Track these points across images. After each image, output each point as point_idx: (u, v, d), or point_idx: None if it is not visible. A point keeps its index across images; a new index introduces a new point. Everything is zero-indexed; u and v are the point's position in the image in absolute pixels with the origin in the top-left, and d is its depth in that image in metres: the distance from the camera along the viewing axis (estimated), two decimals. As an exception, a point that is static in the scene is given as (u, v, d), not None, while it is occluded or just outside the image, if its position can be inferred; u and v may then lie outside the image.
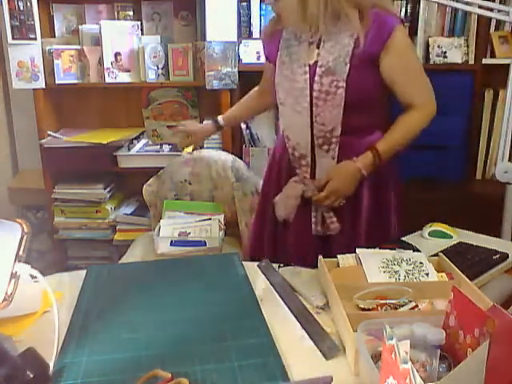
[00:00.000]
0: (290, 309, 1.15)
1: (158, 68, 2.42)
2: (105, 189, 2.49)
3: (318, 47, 1.47)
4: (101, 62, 2.38)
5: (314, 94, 1.46)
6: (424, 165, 2.31)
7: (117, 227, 2.50)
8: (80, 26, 2.46)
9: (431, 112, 1.49)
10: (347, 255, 1.28)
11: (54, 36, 2.53)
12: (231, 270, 1.34)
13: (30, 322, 1.11)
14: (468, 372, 0.74)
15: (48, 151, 2.42)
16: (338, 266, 1.26)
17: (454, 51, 2.36)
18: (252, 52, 2.36)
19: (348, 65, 1.41)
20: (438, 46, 2.37)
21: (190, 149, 2.35)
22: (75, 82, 2.44)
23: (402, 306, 1.08)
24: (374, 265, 1.21)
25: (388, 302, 1.08)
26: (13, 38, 2.26)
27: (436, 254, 1.30)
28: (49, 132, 2.48)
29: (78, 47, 2.43)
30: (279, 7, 1.47)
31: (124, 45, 2.40)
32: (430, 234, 1.54)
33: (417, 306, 1.08)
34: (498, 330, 0.77)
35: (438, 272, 1.19)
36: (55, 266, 2.52)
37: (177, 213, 1.92)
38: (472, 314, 0.84)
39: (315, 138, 1.50)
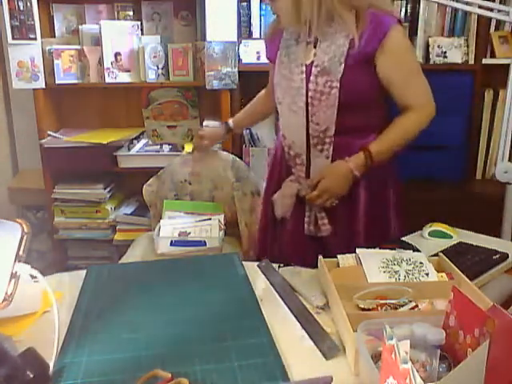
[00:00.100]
0: (290, 309, 1.15)
1: (157, 68, 2.42)
2: (105, 189, 2.49)
3: (315, 47, 1.48)
4: (101, 62, 2.38)
5: (310, 93, 1.46)
6: (424, 165, 2.31)
7: (117, 227, 2.50)
8: (80, 26, 2.46)
9: (429, 113, 1.48)
10: (347, 255, 1.28)
11: (54, 36, 2.53)
12: (231, 269, 1.34)
13: (29, 322, 1.11)
14: (468, 372, 0.74)
15: (48, 151, 2.42)
16: (338, 266, 1.26)
17: (454, 51, 2.36)
18: (252, 52, 2.36)
19: (342, 65, 1.42)
20: (438, 46, 2.37)
21: (190, 149, 2.35)
22: (75, 82, 2.44)
23: (402, 305, 1.08)
24: (374, 265, 1.21)
25: (388, 302, 1.08)
26: (13, 38, 2.26)
27: (436, 254, 1.30)
28: (49, 132, 2.48)
29: (77, 47, 2.43)
30: (276, 7, 1.48)
31: (124, 45, 2.40)
32: (430, 234, 1.54)
33: (417, 305, 1.08)
34: (498, 330, 0.77)
35: (438, 272, 1.19)
36: (55, 266, 2.52)
37: (177, 213, 1.92)
38: (472, 313, 0.84)
39: (310, 138, 1.50)
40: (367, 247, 1.30)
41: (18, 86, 2.35)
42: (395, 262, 1.21)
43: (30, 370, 0.79)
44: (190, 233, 1.80)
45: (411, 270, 1.19)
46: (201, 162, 2.08)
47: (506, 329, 0.78)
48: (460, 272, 1.15)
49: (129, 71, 2.43)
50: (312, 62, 1.47)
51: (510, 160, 1.86)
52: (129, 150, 2.46)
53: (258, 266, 1.37)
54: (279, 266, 1.35)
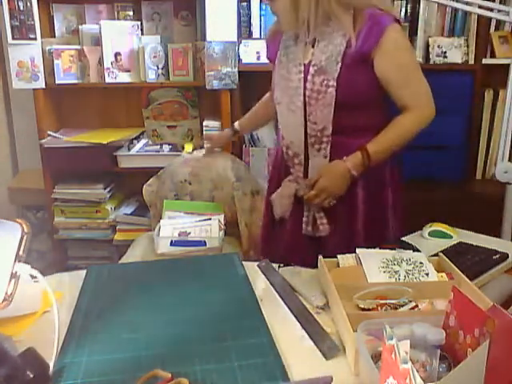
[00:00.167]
0: (290, 309, 1.15)
1: (158, 68, 2.42)
2: (105, 189, 2.49)
3: (313, 47, 1.48)
4: (101, 62, 2.39)
5: (307, 92, 1.46)
6: (424, 165, 2.31)
7: (117, 227, 2.50)
8: (80, 26, 2.46)
9: (428, 114, 1.47)
10: (347, 255, 1.28)
11: (54, 36, 2.53)
12: (231, 270, 1.34)
13: (29, 322, 1.11)
14: (468, 372, 0.74)
15: (48, 151, 2.42)
16: (338, 266, 1.26)
17: (454, 51, 2.36)
18: (252, 52, 2.36)
19: (339, 64, 1.41)
20: (438, 46, 2.37)
21: (190, 149, 2.35)
22: (75, 82, 2.44)
23: (402, 305, 1.08)
24: (374, 265, 1.21)
25: (388, 302, 1.08)
26: (13, 38, 2.26)
27: (436, 254, 1.30)
28: (49, 132, 2.48)
29: (78, 47, 2.43)
30: (275, 8, 1.49)
31: (124, 45, 2.40)
32: (430, 234, 1.54)
33: (417, 305, 1.08)
34: (498, 330, 0.77)
35: (438, 272, 1.19)
36: (55, 266, 2.52)
37: (177, 213, 1.92)
38: (472, 313, 0.84)
39: (308, 137, 1.50)
40: (366, 247, 1.30)
41: (18, 86, 2.35)
42: (395, 262, 1.21)
43: (30, 370, 0.79)
44: (190, 233, 1.79)
45: (411, 270, 1.19)
46: (201, 162, 2.08)
47: (506, 329, 0.78)
48: (460, 272, 1.15)
49: (129, 71, 2.43)
50: (310, 62, 1.47)
51: (510, 160, 1.86)
52: (129, 150, 2.46)
53: (257, 265, 1.37)
54: (279, 266, 1.35)
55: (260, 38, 2.35)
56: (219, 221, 1.84)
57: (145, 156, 2.45)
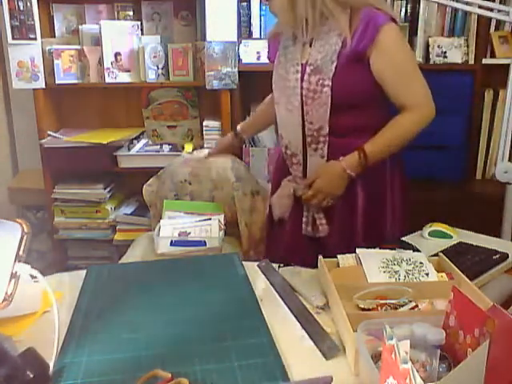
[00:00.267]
0: (290, 309, 1.15)
1: (158, 68, 2.42)
2: (105, 189, 2.49)
3: (310, 47, 1.48)
4: (101, 62, 2.39)
5: (304, 92, 1.46)
6: (424, 165, 2.31)
7: (117, 227, 2.50)
8: (80, 26, 2.46)
9: (427, 113, 1.45)
10: (347, 255, 1.28)
11: (54, 36, 2.53)
12: (231, 269, 1.34)
13: (29, 322, 1.11)
14: (468, 372, 0.74)
15: (48, 151, 2.42)
16: (338, 266, 1.26)
17: (454, 51, 2.36)
18: (252, 52, 2.36)
19: (335, 63, 1.41)
20: (438, 46, 2.37)
21: (190, 149, 2.35)
22: (75, 82, 2.44)
23: (402, 305, 1.08)
24: (374, 265, 1.21)
25: (388, 302, 1.08)
26: (13, 38, 2.26)
27: (436, 254, 1.30)
28: (49, 132, 2.48)
29: (78, 47, 2.43)
30: (273, 7, 1.50)
31: (124, 45, 2.40)
32: (430, 234, 1.54)
33: (417, 305, 1.08)
34: (498, 330, 0.77)
35: (438, 272, 1.19)
36: (55, 266, 2.52)
37: (177, 213, 1.92)
38: (472, 313, 0.84)
39: (306, 137, 1.50)
40: (366, 247, 1.30)
41: (18, 86, 2.35)
42: (395, 262, 1.21)
43: (30, 370, 0.79)
44: (190, 233, 1.79)
45: (411, 270, 1.19)
46: (201, 162, 2.08)
47: (506, 329, 0.78)
48: (460, 272, 1.15)
49: (129, 71, 2.43)
50: (307, 62, 1.47)
51: (510, 160, 1.86)
52: (129, 150, 2.46)
53: (258, 265, 1.37)
54: (279, 266, 1.35)
55: (260, 38, 2.35)
56: (219, 221, 1.84)
57: (145, 156, 2.45)
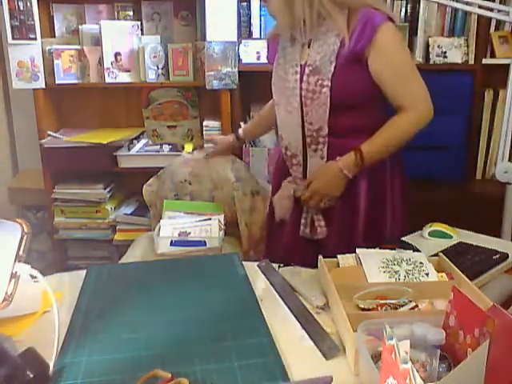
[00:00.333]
0: (290, 309, 1.15)
1: (158, 68, 2.42)
2: (105, 189, 2.49)
3: (309, 47, 1.48)
4: (101, 62, 2.38)
5: (302, 93, 1.46)
6: (424, 165, 2.31)
7: (117, 227, 2.50)
8: (80, 26, 2.46)
9: (424, 113, 1.44)
10: (347, 255, 1.28)
11: (54, 36, 2.53)
12: (231, 270, 1.34)
13: (29, 322, 1.11)
14: (468, 372, 0.74)
15: (48, 151, 2.42)
16: (338, 266, 1.26)
17: (454, 51, 2.36)
18: (252, 52, 2.36)
19: (333, 64, 1.41)
20: (438, 46, 2.37)
21: (190, 149, 2.35)
22: (75, 82, 2.44)
23: (402, 305, 1.08)
24: (374, 265, 1.21)
25: (388, 302, 1.08)
26: (13, 38, 2.26)
27: (436, 254, 1.30)
28: (49, 132, 2.48)
29: (78, 47, 2.43)
30: (270, 9, 1.50)
31: (124, 45, 2.40)
32: (430, 234, 1.54)
33: (417, 305, 1.08)
34: (498, 330, 0.77)
35: (438, 272, 1.19)
36: (55, 266, 2.52)
37: (177, 213, 1.92)
38: (472, 313, 0.84)
39: (306, 138, 1.50)
40: (366, 247, 1.30)
41: (18, 86, 2.35)
42: (395, 262, 1.21)
43: (30, 370, 0.79)
44: (190, 233, 1.79)
45: (411, 270, 1.19)
46: (201, 162, 2.08)
47: (506, 329, 0.78)
48: (460, 272, 1.15)
49: (129, 71, 2.43)
50: (306, 62, 1.47)
51: (510, 160, 1.86)
52: (129, 150, 2.45)
53: (258, 265, 1.37)
54: (279, 266, 1.35)
55: (260, 38, 2.35)
56: (219, 221, 1.84)
57: (145, 156, 2.45)
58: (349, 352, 0.95)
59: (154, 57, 2.40)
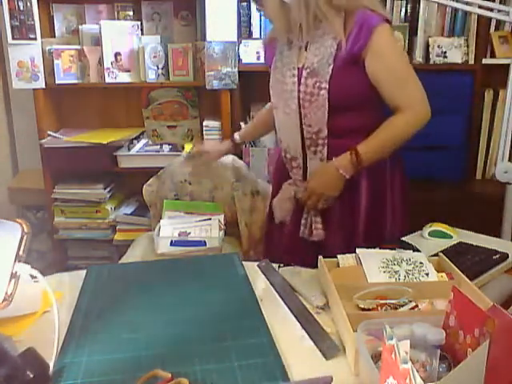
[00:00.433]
0: (290, 309, 1.15)
1: (158, 68, 2.42)
2: (105, 189, 2.49)
3: (306, 50, 1.48)
4: (101, 62, 2.38)
5: (300, 95, 1.47)
6: (424, 165, 2.31)
7: (117, 227, 2.50)
8: (80, 26, 2.46)
9: (421, 114, 1.44)
10: (347, 255, 1.28)
11: (54, 36, 2.53)
12: (231, 269, 1.34)
13: (29, 322, 1.11)
14: (468, 372, 0.74)
15: (48, 151, 2.42)
16: (338, 266, 1.26)
17: (454, 51, 2.36)
18: (252, 52, 2.36)
19: (331, 66, 1.42)
20: (438, 46, 2.37)
21: (190, 149, 2.35)
22: (75, 82, 2.44)
23: (402, 305, 1.08)
24: (374, 265, 1.21)
25: (388, 302, 1.08)
26: (13, 38, 2.26)
27: (436, 254, 1.30)
28: (49, 132, 2.48)
29: (78, 47, 2.43)
30: (266, 14, 1.50)
31: (124, 45, 2.40)
32: (430, 234, 1.54)
33: (417, 305, 1.08)
34: (498, 330, 0.77)
35: (438, 272, 1.19)
36: (55, 266, 2.52)
37: (177, 213, 1.92)
38: (472, 313, 0.84)
39: (305, 140, 1.50)
40: (366, 247, 1.30)
41: (18, 86, 2.35)
42: (395, 262, 1.21)
43: (30, 370, 0.79)
44: (190, 233, 1.80)
45: (411, 270, 1.19)
46: (201, 162, 2.08)
47: (506, 329, 0.78)
48: (460, 272, 1.15)
49: (129, 71, 2.43)
50: (303, 65, 1.47)
51: (510, 160, 1.86)
52: (129, 150, 2.46)
53: (258, 265, 1.37)
54: (279, 266, 1.36)
55: (260, 38, 2.34)
56: (219, 221, 1.84)
57: (145, 156, 2.45)
58: (349, 352, 0.95)
59: (154, 57, 2.40)
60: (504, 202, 1.91)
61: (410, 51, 2.40)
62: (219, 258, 1.49)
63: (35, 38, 2.30)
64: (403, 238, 1.48)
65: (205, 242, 1.74)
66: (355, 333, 0.90)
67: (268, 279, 1.30)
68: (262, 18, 2.36)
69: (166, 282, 1.28)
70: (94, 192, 2.48)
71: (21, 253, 0.94)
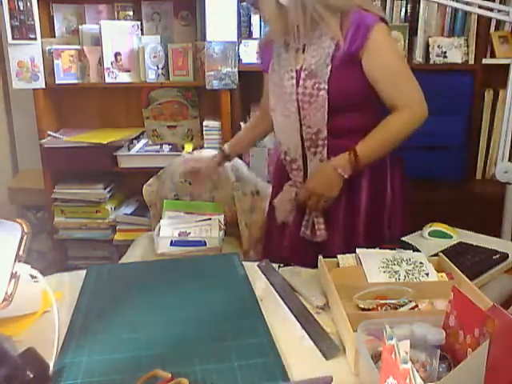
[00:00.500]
0: (290, 309, 1.15)
1: (158, 68, 2.42)
2: (105, 189, 2.49)
3: (303, 52, 1.48)
4: (101, 62, 2.38)
5: (299, 97, 1.47)
6: (424, 165, 2.31)
7: (117, 227, 2.50)
8: (80, 26, 2.46)
9: (419, 114, 1.44)
10: (347, 255, 1.28)
11: (54, 36, 2.53)
12: (231, 269, 1.34)
13: (29, 322, 1.11)
14: (468, 372, 0.74)
15: (48, 151, 2.42)
16: (338, 266, 1.26)
17: (454, 51, 2.36)
18: (252, 52, 2.35)
19: (329, 67, 1.42)
20: (438, 46, 2.37)
21: (190, 149, 2.35)
22: (75, 82, 2.44)
23: (402, 305, 1.08)
24: (374, 265, 1.21)
25: (388, 302, 1.08)
26: (13, 38, 2.26)
27: (436, 254, 1.30)
28: (49, 132, 2.48)
29: (78, 47, 2.43)
30: (263, 16, 1.50)
31: (124, 45, 2.40)
32: (430, 234, 1.54)
33: (417, 305, 1.08)
34: (498, 330, 0.77)
35: (438, 272, 1.19)
36: (55, 266, 2.52)
37: (177, 213, 1.92)
38: (472, 313, 0.84)
39: (304, 141, 1.50)
40: (366, 247, 1.30)
41: (18, 86, 2.35)
42: (395, 262, 1.21)
43: (30, 370, 0.79)
44: (189, 233, 1.79)
45: (411, 270, 1.19)
46: (201, 162, 2.08)
47: (506, 329, 0.78)
48: (460, 272, 1.15)
49: (129, 71, 2.43)
50: (301, 67, 1.47)
51: (510, 160, 1.86)
52: (129, 150, 2.46)
53: (258, 265, 1.37)
54: (279, 266, 1.36)
55: (260, 38, 2.34)
56: (219, 221, 1.84)
57: (145, 156, 2.45)
58: (349, 352, 0.95)
59: (154, 57, 2.41)
60: (504, 202, 1.91)
61: (410, 51, 2.40)
62: (219, 258, 1.49)
63: (35, 38, 2.30)
64: (403, 238, 1.48)
65: (205, 242, 1.74)
66: (355, 333, 0.90)
67: (268, 279, 1.30)
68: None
69: (166, 282, 1.28)
70: (94, 192, 2.48)
71: (21, 253, 0.94)
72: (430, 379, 0.78)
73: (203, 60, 2.34)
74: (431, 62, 2.37)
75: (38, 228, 2.64)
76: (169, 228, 1.81)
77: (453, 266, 1.19)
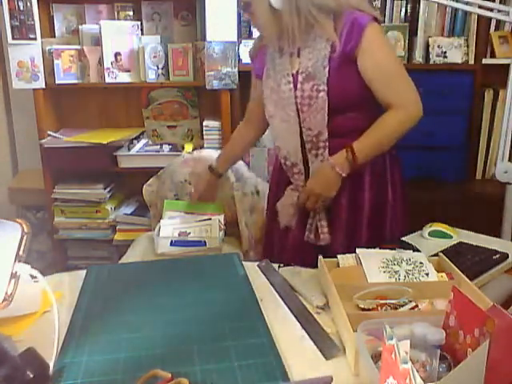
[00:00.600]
0: (290, 309, 1.15)
1: (158, 68, 2.42)
2: (105, 189, 2.49)
3: (298, 56, 1.48)
4: (101, 62, 2.38)
5: (298, 100, 1.47)
6: (424, 165, 2.31)
7: (117, 227, 2.50)
8: (80, 26, 2.46)
9: (414, 112, 1.44)
10: (347, 255, 1.28)
11: (54, 36, 2.53)
12: (231, 269, 1.34)
13: (29, 322, 1.11)
14: (468, 372, 0.74)
15: (48, 151, 2.42)
16: (338, 266, 1.26)
17: (454, 51, 2.36)
18: (252, 52, 2.36)
19: (327, 68, 1.42)
20: (438, 46, 2.37)
21: (190, 149, 2.35)
22: (75, 81, 2.44)
23: (402, 305, 1.08)
24: (374, 265, 1.21)
25: (388, 302, 1.08)
26: (13, 38, 2.26)
27: (436, 254, 1.30)
28: (49, 132, 2.48)
29: (78, 47, 2.43)
30: (256, 22, 1.49)
31: (124, 45, 2.40)
32: (430, 234, 1.54)
33: (417, 305, 1.08)
34: (497, 330, 0.77)
35: (438, 272, 1.20)
36: (55, 266, 2.52)
37: (177, 213, 1.92)
38: (472, 313, 0.84)
39: (305, 144, 1.51)
40: (366, 247, 1.30)
41: (18, 86, 2.35)
42: (395, 262, 1.21)
43: (30, 370, 0.79)
44: (189, 233, 1.79)
45: (411, 270, 1.19)
46: (201, 162, 2.08)
47: (506, 329, 0.78)
48: (460, 272, 1.15)
49: (129, 71, 2.43)
50: (298, 71, 1.47)
51: (510, 160, 1.86)
52: (129, 150, 2.46)
53: (258, 265, 1.37)
54: (279, 266, 1.36)
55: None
56: (219, 221, 1.84)
57: (145, 156, 2.45)
58: (349, 352, 0.95)
59: (154, 57, 2.40)
60: (504, 202, 1.91)
61: (410, 51, 2.40)
62: (219, 258, 1.49)
63: (35, 38, 2.30)
64: (403, 238, 1.48)
65: (205, 242, 1.74)
66: (355, 333, 0.90)
67: (268, 279, 1.30)
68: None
69: (166, 281, 1.28)
70: (93, 192, 2.47)
71: (21, 253, 0.94)
72: (430, 379, 0.78)
73: (203, 60, 2.34)
74: (431, 62, 2.37)
75: (38, 228, 2.64)
76: (169, 228, 1.81)
77: (453, 266, 1.19)
